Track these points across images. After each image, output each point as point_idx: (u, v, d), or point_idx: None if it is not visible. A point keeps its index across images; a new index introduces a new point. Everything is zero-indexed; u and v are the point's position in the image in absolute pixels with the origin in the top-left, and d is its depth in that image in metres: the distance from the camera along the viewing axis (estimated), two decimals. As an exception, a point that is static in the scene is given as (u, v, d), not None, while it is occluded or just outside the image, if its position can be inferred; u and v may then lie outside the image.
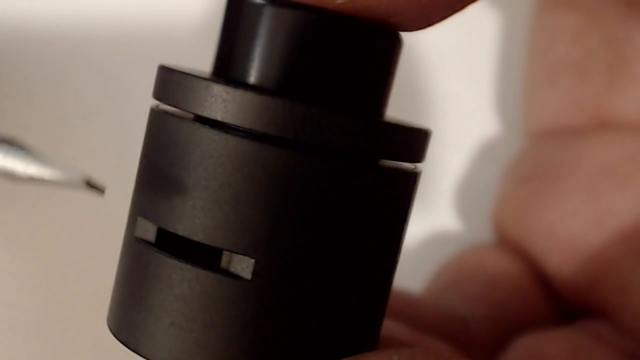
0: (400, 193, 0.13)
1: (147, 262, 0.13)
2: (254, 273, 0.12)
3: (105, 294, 0.14)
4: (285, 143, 0.12)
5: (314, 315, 0.13)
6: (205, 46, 0.15)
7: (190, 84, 0.13)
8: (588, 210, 0.20)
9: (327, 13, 0.13)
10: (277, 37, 0.13)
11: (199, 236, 0.12)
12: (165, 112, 0.13)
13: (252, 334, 0.12)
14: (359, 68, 0.13)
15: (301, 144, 0.12)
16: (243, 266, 0.12)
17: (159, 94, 0.14)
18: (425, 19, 0.13)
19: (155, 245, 0.13)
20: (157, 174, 0.13)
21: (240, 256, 0.12)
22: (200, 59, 0.15)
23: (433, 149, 0.14)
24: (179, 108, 0.13)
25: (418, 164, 0.14)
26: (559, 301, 0.20)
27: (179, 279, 0.13)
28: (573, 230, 0.20)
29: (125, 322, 0.13)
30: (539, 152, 0.21)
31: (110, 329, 0.14)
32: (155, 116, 0.13)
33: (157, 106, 0.14)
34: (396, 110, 0.15)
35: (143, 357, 0.13)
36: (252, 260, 0.12)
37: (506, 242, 0.21)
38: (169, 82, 0.13)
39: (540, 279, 0.20)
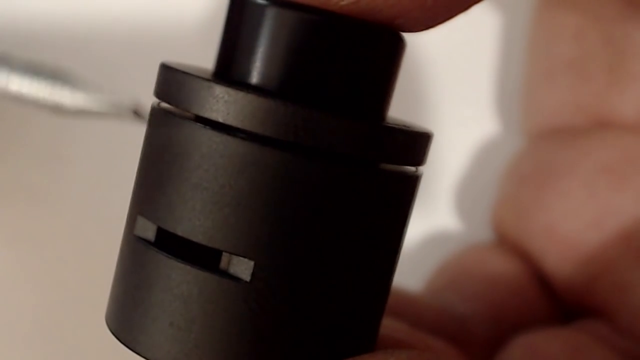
0: (400, 196, 0.13)
1: (146, 261, 0.13)
2: (253, 275, 0.12)
3: (105, 292, 0.14)
4: (286, 146, 0.12)
5: (313, 318, 0.13)
6: (207, 45, 0.15)
7: (192, 84, 0.13)
8: (587, 210, 0.20)
9: (330, 15, 0.13)
10: (280, 39, 0.13)
11: (198, 237, 0.12)
12: (166, 111, 0.13)
13: (250, 336, 0.12)
14: (362, 71, 0.13)
15: (302, 147, 0.12)
16: (242, 268, 0.12)
17: (160, 93, 0.14)
18: (430, 21, 0.13)
19: (155, 245, 0.13)
20: (157, 173, 0.13)
21: (240, 258, 0.12)
22: (203, 58, 0.15)
23: (432, 149, 0.14)
24: (180, 108, 0.13)
25: (419, 167, 0.14)
26: (557, 301, 0.20)
27: (178, 279, 0.13)
28: (572, 230, 0.20)
29: (124, 321, 0.13)
30: (538, 152, 0.21)
31: (109, 328, 0.14)
32: (156, 115, 0.13)
33: (158, 105, 0.14)
34: (396, 110, 0.15)
35: (141, 356, 0.13)
36: (252, 262, 0.12)
37: (505, 242, 0.21)
38: (171, 81, 0.13)
39: (540, 278, 0.20)
